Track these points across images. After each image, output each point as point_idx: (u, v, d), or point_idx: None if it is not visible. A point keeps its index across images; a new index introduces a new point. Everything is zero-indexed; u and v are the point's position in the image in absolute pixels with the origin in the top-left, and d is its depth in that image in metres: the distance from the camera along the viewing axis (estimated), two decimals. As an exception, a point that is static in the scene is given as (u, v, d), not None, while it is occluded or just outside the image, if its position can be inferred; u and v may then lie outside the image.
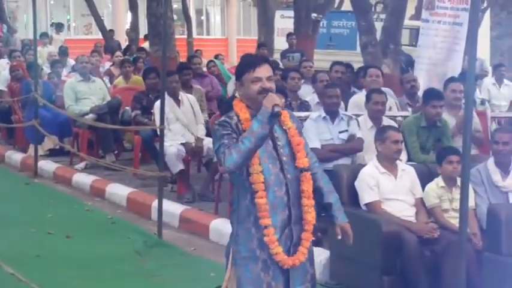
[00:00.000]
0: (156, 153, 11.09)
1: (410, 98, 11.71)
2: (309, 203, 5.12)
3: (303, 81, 12.49)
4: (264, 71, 5.08)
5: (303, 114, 10.41)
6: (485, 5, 29.26)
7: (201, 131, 11.78)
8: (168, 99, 10.97)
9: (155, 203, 10.21)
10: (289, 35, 21.00)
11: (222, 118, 5.09)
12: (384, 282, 7.48)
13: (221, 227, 9.72)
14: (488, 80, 17.57)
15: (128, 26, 32.18)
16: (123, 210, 11.31)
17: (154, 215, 10.33)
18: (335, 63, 13.41)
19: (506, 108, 15.81)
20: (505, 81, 16.96)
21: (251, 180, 5.00)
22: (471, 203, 7.66)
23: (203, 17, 44.01)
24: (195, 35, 32.43)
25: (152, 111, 11.82)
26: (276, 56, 20.41)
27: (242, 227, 5.12)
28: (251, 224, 5.07)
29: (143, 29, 25.72)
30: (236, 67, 5.40)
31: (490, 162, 8.18)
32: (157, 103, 10.53)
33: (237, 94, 5.40)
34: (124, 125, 13.44)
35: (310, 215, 5.14)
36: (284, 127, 5.18)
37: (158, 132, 10.24)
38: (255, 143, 4.85)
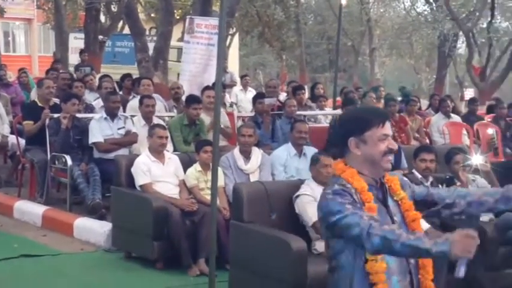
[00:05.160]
0: (-32, 148, 10.61)
1: (175, 102, 11.75)
2: None
3: (88, 90, 12.38)
4: (389, 128, 3.36)
5: (89, 115, 10.27)
6: (234, 30, 29.82)
7: (6, 130, 11.28)
8: (-23, 104, 10.48)
9: (-33, 190, 9.73)
10: (81, 52, 20.63)
11: (335, 187, 3.25)
12: (155, 246, 7.45)
13: (23, 207, 9.47)
14: (237, 88, 17.95)
15: None
16: None
17: (-33, 199, 9.83)
18: (103, 76, 13.46)
19: (250, 109, 16.17)
20: (249, 88, 17.36)
21: (368, 269, 3.22)
22: (221, 183, 7.80)
23: (10, 38, 42.39)
24: (3, 52, 31.24)
25: (-35, 115, 11.29)
26: (70, 69, 19.94)
27: None
28: None
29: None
30: (348, 119, 3.46)
31: (236, 151, 8.31)
32: (-32, 107, 10.06)
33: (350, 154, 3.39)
34: None
35: None
36: (395, 198, 3.40)
37: (-31, 132, 9.78)
38: (405, 255, 3.15)
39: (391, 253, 3.09)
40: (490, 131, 12.42)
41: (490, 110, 14.27)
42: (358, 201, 3.21)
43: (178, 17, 26.44)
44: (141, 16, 23.48)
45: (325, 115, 12.96)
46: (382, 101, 13.78)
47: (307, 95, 14.20)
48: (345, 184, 3.25)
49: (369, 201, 3.24)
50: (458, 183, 7.32)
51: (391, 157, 3.31)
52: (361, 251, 3.20)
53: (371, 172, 3.32)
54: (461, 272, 2.99)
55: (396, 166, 8.98)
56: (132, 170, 7.93)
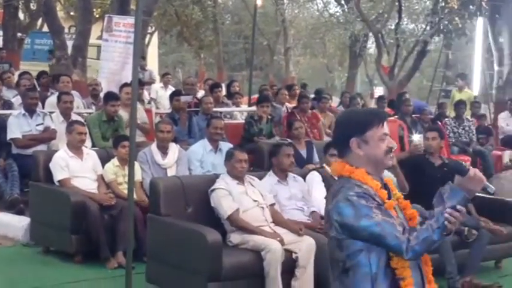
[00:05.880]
0: None
1: (93, 98, 11.62)
2: None
3: (6, 87, 12.12)
4: (387, 127, 3.26)
5: (7, 112, 10.07)
6: (153, 29, 29.59)
7: None
8: None
9: None
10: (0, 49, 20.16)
11: (356, 189, 3.07)
12: (73, 240, 7.38)
13: None
14: (157, 85, 17.80)
15: None
16: None
17: None
18: (23, 73, 13.13)
19: (168, 105, 16.08)
20: (170, 86, 17.24)
21: (394, 265, 3.07)
22: (138, 177, 7.77)
23: None
24: None
25: None
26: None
27: None
28: None
29: None
30: (348, 120, 3.31)
31: (153, 146, 8.30)
32: None
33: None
34: None
35: None
36: (394, 197, 3.28)
37: None
38: (446, 232, 2.99)
39: (436, 244, 2.99)
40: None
41: (390, 104, 14.62)
42: (380, 202, 3.08)
43: (97, 16, 26.11)
44: (60, 14, 23.09)
45: (240, 112, 13.04)
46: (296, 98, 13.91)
47: (224, 92, 14.24)
48: (361, 185, 3.10)
49: (385, 199, 3.13)
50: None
51: (392, 154, 3.21)
52: (383, 249, 3.05)
53: (374, 171, 3.21)
54: (490, 188, 3.03)
55: (308, 161, 9.12)
56: (50, 165, 7.84)
